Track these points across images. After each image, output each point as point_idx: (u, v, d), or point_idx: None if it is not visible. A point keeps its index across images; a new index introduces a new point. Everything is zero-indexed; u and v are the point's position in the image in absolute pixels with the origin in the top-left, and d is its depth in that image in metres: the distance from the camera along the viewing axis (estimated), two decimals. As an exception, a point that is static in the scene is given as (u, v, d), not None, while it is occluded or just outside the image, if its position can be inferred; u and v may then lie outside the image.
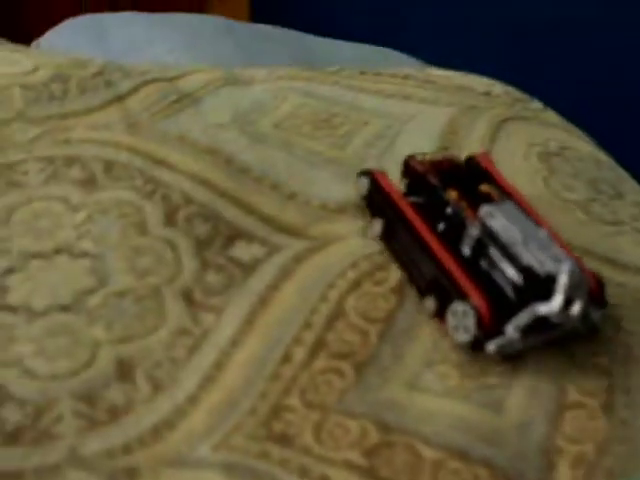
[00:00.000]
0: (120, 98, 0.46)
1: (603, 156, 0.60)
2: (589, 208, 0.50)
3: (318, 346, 0.36)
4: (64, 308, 0.35)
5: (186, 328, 0.36)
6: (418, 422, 0.34)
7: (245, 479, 0.31)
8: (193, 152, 0.43)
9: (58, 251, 0.37)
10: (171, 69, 0.54)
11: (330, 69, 0.61)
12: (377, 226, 0.41)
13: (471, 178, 0.43)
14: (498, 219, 0.39)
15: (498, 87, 0.67)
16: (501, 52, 1.25)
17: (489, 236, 0.38)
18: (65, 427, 0.32)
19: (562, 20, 1.18)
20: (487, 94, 0.62)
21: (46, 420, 0.32)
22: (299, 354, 0.36)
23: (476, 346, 0.36)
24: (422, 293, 0.39)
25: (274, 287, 0.38)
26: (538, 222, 0.41)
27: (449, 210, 0.40)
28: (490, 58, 1.25)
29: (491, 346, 0.36)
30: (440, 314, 0.38)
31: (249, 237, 0.40)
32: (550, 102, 1.09)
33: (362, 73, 0.62)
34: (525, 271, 0.37)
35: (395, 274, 0.40)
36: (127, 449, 0.31)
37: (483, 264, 0.39)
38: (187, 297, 0.37)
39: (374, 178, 0.42)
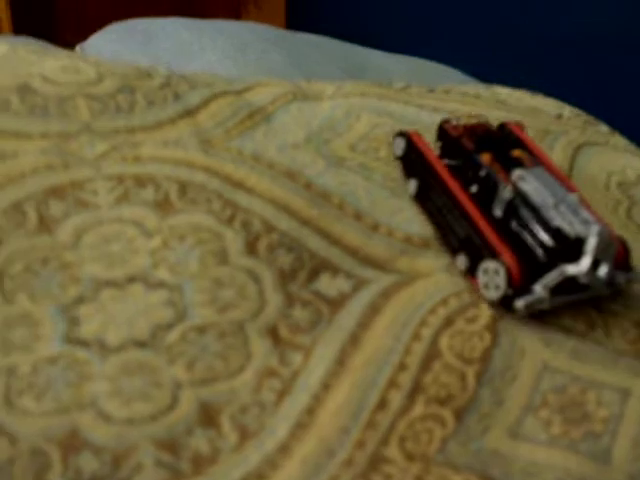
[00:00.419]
0: (190, 112, 0.44)
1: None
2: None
3: (415, 390, 0.33)
4: (141, 344, 0.33)
5: (273, 369, 0.33)
6: (525, 476, 0.31)
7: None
8: (271, 174, 0.40)
9: (132, 280, 0.35)
10: (236, 81, 0.51)
11: (397, 86, 0.59)
12: (412, 185, 0.42)
13: (504, 143, 0.44)
14: (530, 182, 0.39)
15: (567, 110, 0.64)
16: (538, 66, 1.22)
17: (521, 198, 0.39)
18: (146, 478, 0.29)
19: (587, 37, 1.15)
20: (559, 117, 0.59)
21: (125, 470, 0.29)
22: (396, 399, 0.33)
23: (505, 303, 0.37)
24: (455, 252, 0.39)
25: (364, 325, 0.35)
26: (569, 187, 0.41)
27: (482, 173, 0.40)
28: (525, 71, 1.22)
29: (520, 303, 0.36)
30: (472, 272, 0.38)
31: (334, 269, 0.37)
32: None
33: (431, 91, 0.59)
34: (555, 233, 0.37)
35: (486, 312, 0.37)
36: (215, 505, 0.29)
37: (514, 225, 0.39)
38: (273, 334, 0.34)
39: (410, 139, 0.43)
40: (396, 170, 0.44)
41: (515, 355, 0.36)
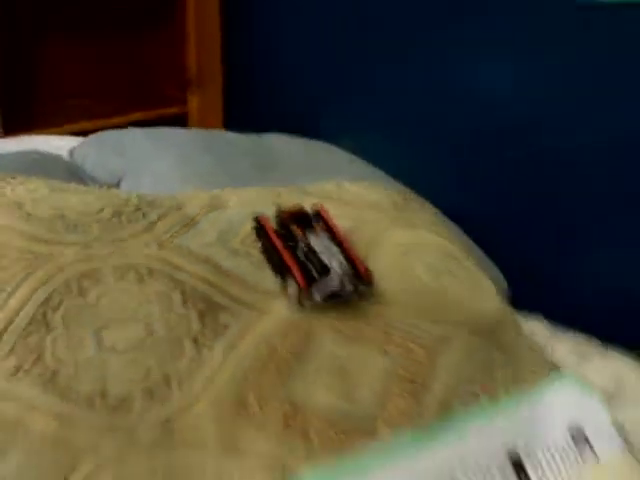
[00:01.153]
0: (152, 225, 0.81)
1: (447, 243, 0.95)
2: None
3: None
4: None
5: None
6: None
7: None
8: (195, 261, 0.77)
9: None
10: (176, 196, 0.88)
11: (277, 190, 0.96)
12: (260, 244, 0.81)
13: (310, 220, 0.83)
14: (315, 242, 0.79)
15: (392, 199, 1.01)
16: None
17: (310, 249, 0.78)
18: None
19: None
20: (376, 205, 0.97)
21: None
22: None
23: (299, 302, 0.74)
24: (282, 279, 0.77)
25: (239, 337, 0.72)
26: (340, 241, 0.80)
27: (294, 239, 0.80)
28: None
29: (306, 303, 0.74)
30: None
31: (225, 309, 0.74)
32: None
33: (298, 193, 0.97)
34: (324, 266, 0.75)
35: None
36: None
37: (308, 262, 0.76)
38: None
39: (259, 220, 0.82)
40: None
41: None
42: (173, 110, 1.89)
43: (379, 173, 1.20)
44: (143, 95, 1.90)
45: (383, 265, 0.84)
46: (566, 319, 1.38)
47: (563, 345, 1.29)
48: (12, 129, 1.65)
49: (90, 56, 1.83)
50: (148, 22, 1.86)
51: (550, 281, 1.60)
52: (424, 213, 1.03)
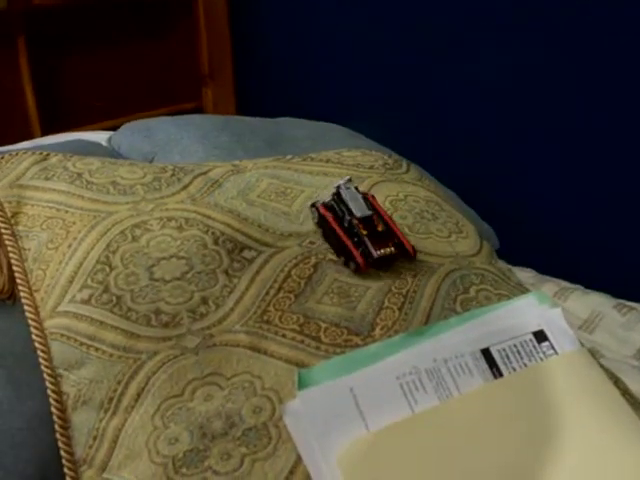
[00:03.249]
0: (185, 187, 0.99)
1: (435, 197, 1.13)
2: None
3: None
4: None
5: (227, 284, 0.88)
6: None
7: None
8: (222, 211, 0.96)
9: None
10: (204, 165, 1.07)
11: (286, 158, 1.14)
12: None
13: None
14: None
15: (382, 160, 1.19)
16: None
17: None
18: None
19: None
20: (371, 167, 1.15)
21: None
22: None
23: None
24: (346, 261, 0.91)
25: (258, 271, 0.91)
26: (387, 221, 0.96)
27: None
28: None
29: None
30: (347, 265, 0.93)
31: (249, 248, 0.92)
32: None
33: (304, 159, 1.15)
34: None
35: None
36: None
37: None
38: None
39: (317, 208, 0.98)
40: (279, 204, 1.00)
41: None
42: (190, 105, 2.08)
43: (375, 145, 1.37)
44: (162, 93, 2.09)
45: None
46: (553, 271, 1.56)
47: (547, 285, 1.46)
48: (48, 131, 1.84)
49: (112, 61, 2.02)
50: (163, 27, 2.04)
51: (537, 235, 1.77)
52: (413, 172, 1.20)
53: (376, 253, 0.91)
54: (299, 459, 0.75)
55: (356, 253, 0.91)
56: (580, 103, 1.61)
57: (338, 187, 0.97)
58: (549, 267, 1.55)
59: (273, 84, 2.03)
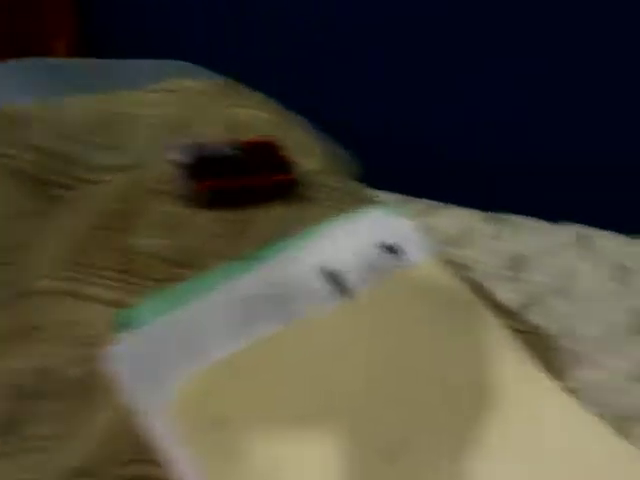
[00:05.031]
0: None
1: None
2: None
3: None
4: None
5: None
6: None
7: None
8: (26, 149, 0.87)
9: None
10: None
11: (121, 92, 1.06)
12: None
13: None
14: None
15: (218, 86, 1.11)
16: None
17: None
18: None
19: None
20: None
21: None
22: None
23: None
24: None
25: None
26: None
27: None
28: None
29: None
30: None
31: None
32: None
33: (134, 92, 1.06)
34: None
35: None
36: None
37: None
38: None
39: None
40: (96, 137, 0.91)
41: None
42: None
43: (217, 76, 1.30)
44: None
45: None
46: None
47: (413, 204, 1.42)
48: None
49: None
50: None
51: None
52: (252, 97, 1.14)
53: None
54: (126, 409, 0.68)
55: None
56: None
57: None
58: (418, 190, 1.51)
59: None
